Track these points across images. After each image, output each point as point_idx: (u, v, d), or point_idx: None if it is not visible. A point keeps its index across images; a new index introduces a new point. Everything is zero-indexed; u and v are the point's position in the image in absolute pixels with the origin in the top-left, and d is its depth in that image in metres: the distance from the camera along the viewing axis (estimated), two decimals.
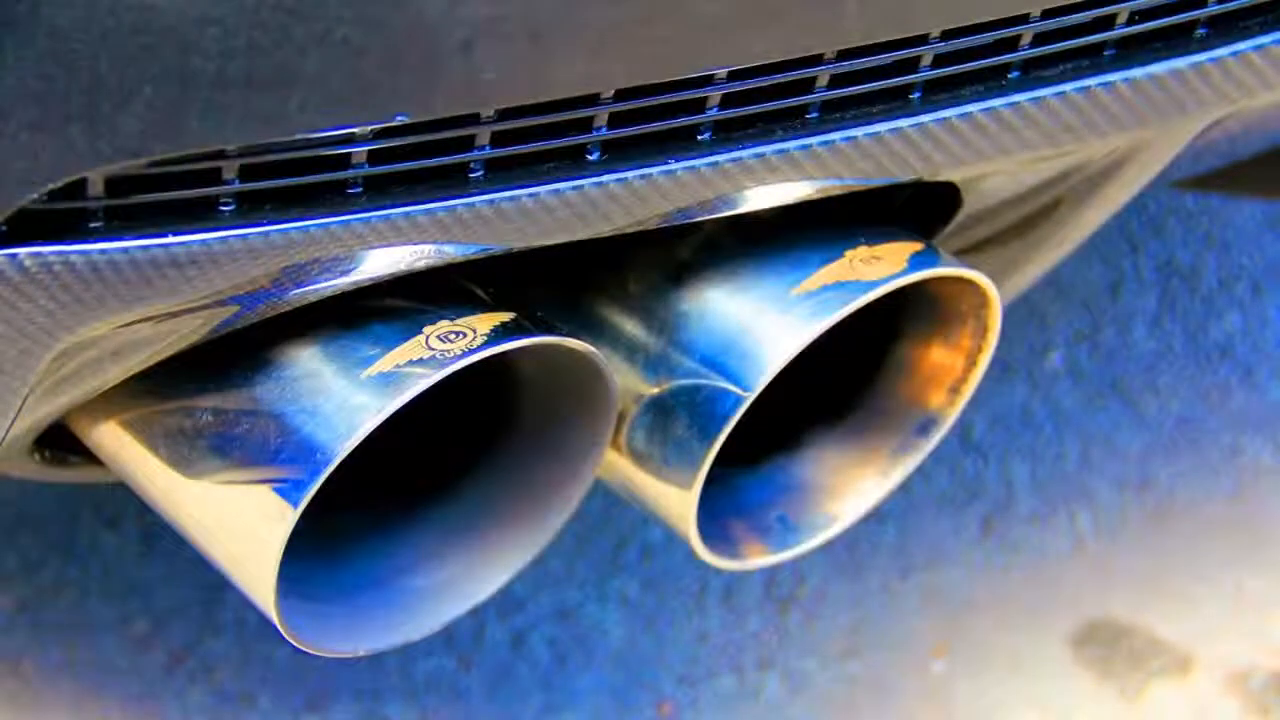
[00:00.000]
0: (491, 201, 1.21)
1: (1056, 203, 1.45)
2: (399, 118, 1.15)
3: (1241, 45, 1.36)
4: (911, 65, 1.29)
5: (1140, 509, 2.08)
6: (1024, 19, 1.30)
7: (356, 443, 1.22)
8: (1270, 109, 1.46)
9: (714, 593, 1.97)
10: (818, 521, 1.48)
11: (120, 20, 1.08)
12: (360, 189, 1.19)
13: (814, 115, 1.28)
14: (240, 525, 1.26)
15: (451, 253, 1.22)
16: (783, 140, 1.26)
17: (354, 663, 1.87)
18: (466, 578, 1.40)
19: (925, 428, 1.48)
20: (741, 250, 1.37)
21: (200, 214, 1.16)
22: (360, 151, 1.17)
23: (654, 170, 1.24)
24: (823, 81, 1.27)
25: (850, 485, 1.49)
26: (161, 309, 1.18)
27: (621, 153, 1.24)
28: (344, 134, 1.16)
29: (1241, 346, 2.25)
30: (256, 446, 1.25)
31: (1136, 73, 1.33)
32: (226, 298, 1.19)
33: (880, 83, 1.28)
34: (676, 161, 1.24)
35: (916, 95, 1.30)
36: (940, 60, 1.29)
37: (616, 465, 1.39)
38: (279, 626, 1.29)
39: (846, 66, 1.26)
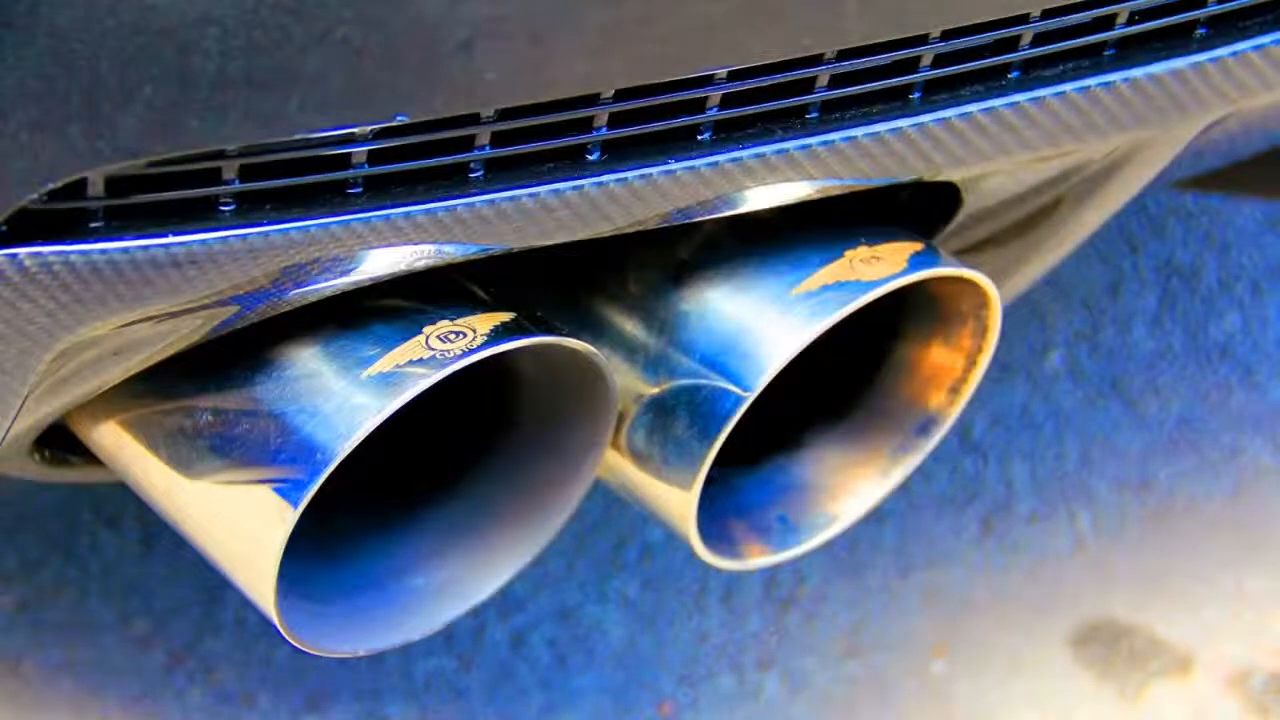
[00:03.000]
0: (491, 201, 1.21)
1: (1056, 203, 1.45)
2: (399, 118, 1.15)
3: (1241, 45, 1.36)
4: (911, 65, 1.29)
5: (1140, 509, 2.08)
6: (1024, 19, 1.30)
7: (356, 443, 1.22)
8: (1270, 109, 1.46)
9: (714, 593, 1.97)
10: (818, 521, 1.48)
11: (120, 20, 1.08)
12: (360, 189, 1.19)
13: (814, 115, 1.28)
14: (240, 525, 1.26)
15: (451, 253, 1.22)
16: (783, 140, 1.26)
17: (354, 663, 1.87)
18: (466, 578, 1.40)
19: (925, 428, 1.48)
20: (741, 250, 1.37)
21: (200, 214, 1.16)
22: (360, 151, 1.17)
23: (654, 170, 1.24)
24: (823, 81, 1.27)
25: (850, 485, 1.49)
26: (161, 309, 1.18)
27: (621, 153, 1.24)
28: (344, 134, 1.16)
29: (1241, 346, 2.25)
30: (256, 446, 1.25)
31: (1136, 73, 1.33)
32: (226, 298, 1.19)
33: (880, 83, 1.28)
34: (676, 161, 1.24)
35: (916, 95, 1.30)
36: (940, 60, 1.29)
37: (616, 465, 1.39)
38: (279, 626, 1.29)
39: (846, 66, 1.26)
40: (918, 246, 1.37)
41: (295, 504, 1.22)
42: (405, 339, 1.25)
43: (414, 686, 1.88)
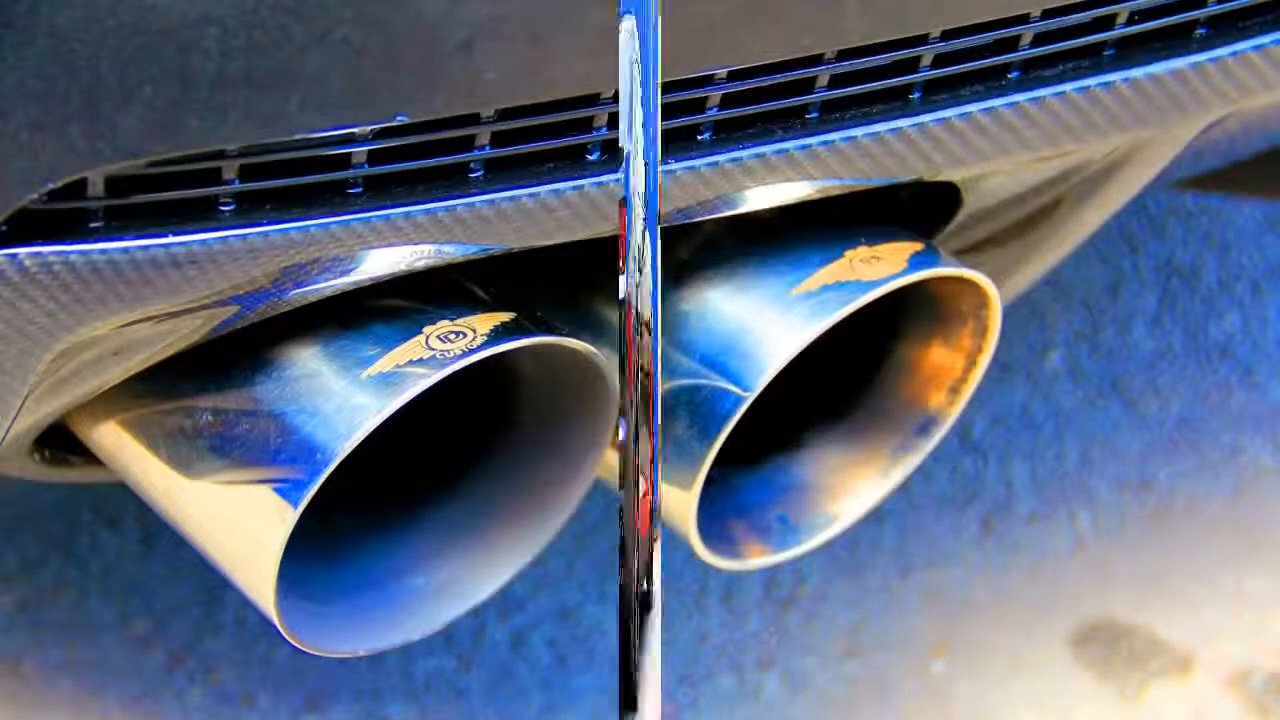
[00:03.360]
0: (491, 201, 1.21)
1: (1056, 203, 1.45)
2: (399, 118, 1.15)
3: (1241, 45, 1.36)
4: (911, 65, 1.29)
5: (1140, 509, 2.08)
6: (1024, 19, 1.30)
7: (356, 443, 1.22)
8: (1270, 109, 1.46)
9: (714, 593, 1.97)
10: (818, 521, 1.48)
11: (120, 20, 1.08)
12: (360, 189, 1.19)
13: (814, 115, 1.28)
14: (240, 525, 1.26)
15: (451, 253, 1.22)
16: (783, 140, 1.26)
17: (354, 663, 1.87)
18: (466, 578, 1.40)
19: (925, 428, 1.48)
20: (741, 250, 1.37)
21: (200, 214, 1.16)
22: (360, 151, 1.17)
23: None
24: (823, 81, 1.27)
25: (850, 485, 1.49)
26: (161, 309, 1.18)
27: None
28: (344, 134, 1.16)
29: (1241, 346, 2.25)
30: (256, 446, 1.25)
31: (1136, 73, 1.33)
32: (226, 298, 1.19)
33: (880, 83, 1.28)
34: (676, 161, 1.24)
35: (916, 95, 1.30)
36: (940, 60, 1.29)
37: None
38: (279, 626, 1.29)
39: (846, 66, 1.26)
40: (918, 246, 1.37)
41: (295, 504, 1.22)
42: (405, 339, 1.26)
43: (414, 686, 1.88)
